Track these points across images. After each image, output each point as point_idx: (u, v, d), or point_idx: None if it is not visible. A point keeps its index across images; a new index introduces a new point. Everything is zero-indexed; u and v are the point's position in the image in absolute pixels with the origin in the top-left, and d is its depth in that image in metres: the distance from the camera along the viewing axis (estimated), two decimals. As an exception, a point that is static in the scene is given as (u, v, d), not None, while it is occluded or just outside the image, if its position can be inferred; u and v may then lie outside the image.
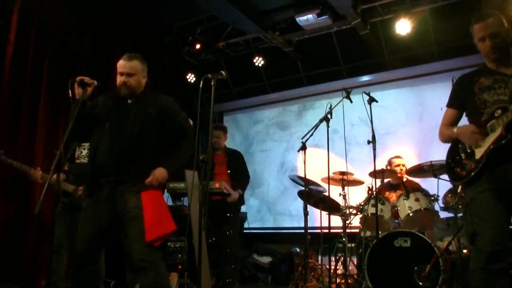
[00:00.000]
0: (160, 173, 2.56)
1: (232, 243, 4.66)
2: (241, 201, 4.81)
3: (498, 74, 2.29)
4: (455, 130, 2.38)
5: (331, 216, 4.15)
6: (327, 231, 4.09)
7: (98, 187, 2.56)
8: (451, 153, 2.44)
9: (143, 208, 2.47)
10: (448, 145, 2.49)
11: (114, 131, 2.59)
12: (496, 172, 2.17)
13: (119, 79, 2.65)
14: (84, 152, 3.87)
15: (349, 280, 4.13)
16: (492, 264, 2.09)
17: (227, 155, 4.98)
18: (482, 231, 2.15)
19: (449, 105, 2.50)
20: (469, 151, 2.29)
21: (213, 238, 4.64)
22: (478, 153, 2.23)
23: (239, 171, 4.94)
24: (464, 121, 2.45)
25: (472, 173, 2.23)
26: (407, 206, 3.98)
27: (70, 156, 3.94)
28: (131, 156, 2.54)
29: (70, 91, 2.52)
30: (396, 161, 4.77)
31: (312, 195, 4.46)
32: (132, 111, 2.63)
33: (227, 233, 4.66)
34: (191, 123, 4.02)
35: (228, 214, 4.69)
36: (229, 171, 4.86)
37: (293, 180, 4.77)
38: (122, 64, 2.66)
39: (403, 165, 4.71)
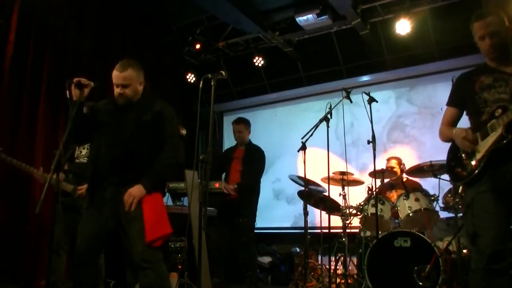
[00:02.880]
0: (136, 191, 2.53)
1: (248, 248, 4.62)
2: (253, 206, 4.69)
3: (498, 72, 2.28)
4: (454, 131, 2.37)
5: (331, 216, 4.15)
6: (327, 231, 4.09)
7: (100, 189, 2.60)
8: (451, 153, 2.43)
9: (143, 208, 2.51)
10: (448, 145, 2.48)
11: (112, 137, 2.64)
12: (497, 172, 2.17)
13: (116, 90, 2.66)
14: (84, 151, 3.86)
15: (349, 280, 4.13)
16: (492, 265, 2.08)
17: (246, 151, 4.83)
18: (482, 231, 2.14)
19: (449, 103, 2.49)
20: (469, 151, 2.28)
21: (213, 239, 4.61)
22: (479, 153, 2.22)
23: (251, 169, 4.72)
24: (464, 120, 2.45)
25: (473, 174, 2.22)
26: (407, 206, 3.98)
27: (69, 156, 3.93)
28: (128, 161, 2.58)
29: (67, 93, 2.54)
30: (389, 162, 4.79)
31: (312, 195, 4.46)
32: (129, 118, 2.66)
33: (241, 239, 4.56)
34: (184, 132, 4.00)
35: (241, 220, 4.56)
36: (242, 168, 4.73)
37: (293, 180, 4.77)
38: (116, 76, 2.63)
39: (393, 167, 4.69)
